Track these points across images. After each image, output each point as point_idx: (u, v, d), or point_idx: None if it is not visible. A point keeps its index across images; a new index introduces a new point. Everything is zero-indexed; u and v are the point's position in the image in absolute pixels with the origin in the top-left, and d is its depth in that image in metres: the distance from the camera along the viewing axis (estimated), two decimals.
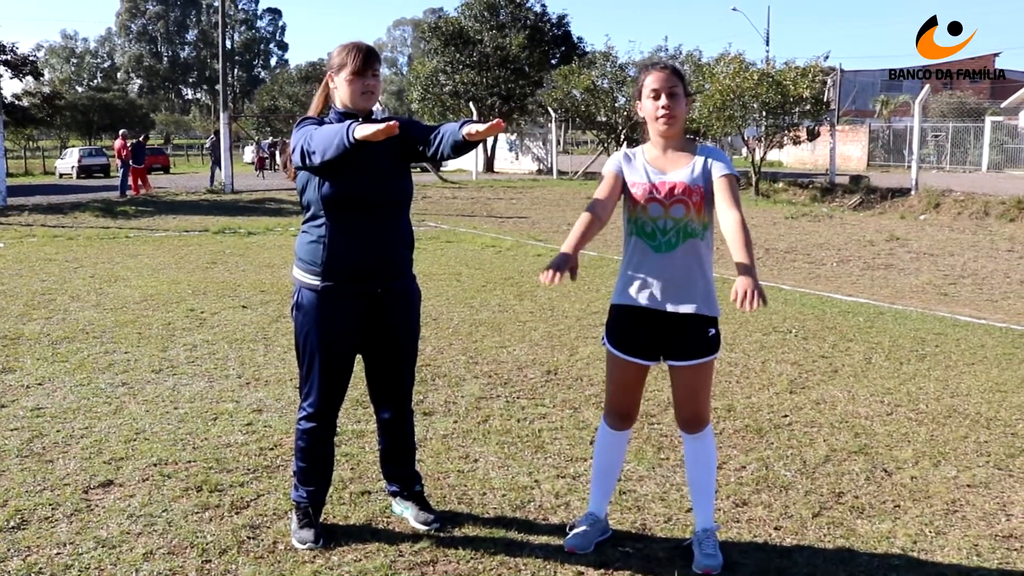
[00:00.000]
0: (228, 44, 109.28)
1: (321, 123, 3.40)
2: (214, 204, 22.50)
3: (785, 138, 24.19)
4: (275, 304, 8.63)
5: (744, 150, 24.76)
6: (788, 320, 8.13)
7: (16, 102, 23.47)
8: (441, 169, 38.73)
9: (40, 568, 3.35)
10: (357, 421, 5.06)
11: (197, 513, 3.83)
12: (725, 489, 4.17)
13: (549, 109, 33.40)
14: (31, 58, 22.72)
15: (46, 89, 25.50)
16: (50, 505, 3.90)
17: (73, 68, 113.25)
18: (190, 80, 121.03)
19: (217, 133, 27.72)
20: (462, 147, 3.24)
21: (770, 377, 6.19)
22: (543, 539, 3.62)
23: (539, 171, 38.67)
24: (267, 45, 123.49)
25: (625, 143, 32.08)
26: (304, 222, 3.53)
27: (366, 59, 3.41)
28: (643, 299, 3.31)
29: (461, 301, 8.96)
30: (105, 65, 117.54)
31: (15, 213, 19.51)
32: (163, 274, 10.66)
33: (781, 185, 24.73)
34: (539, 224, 18.20)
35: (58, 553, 3.46)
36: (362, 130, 3.01)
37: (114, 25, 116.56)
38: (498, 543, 3.58)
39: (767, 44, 61.75)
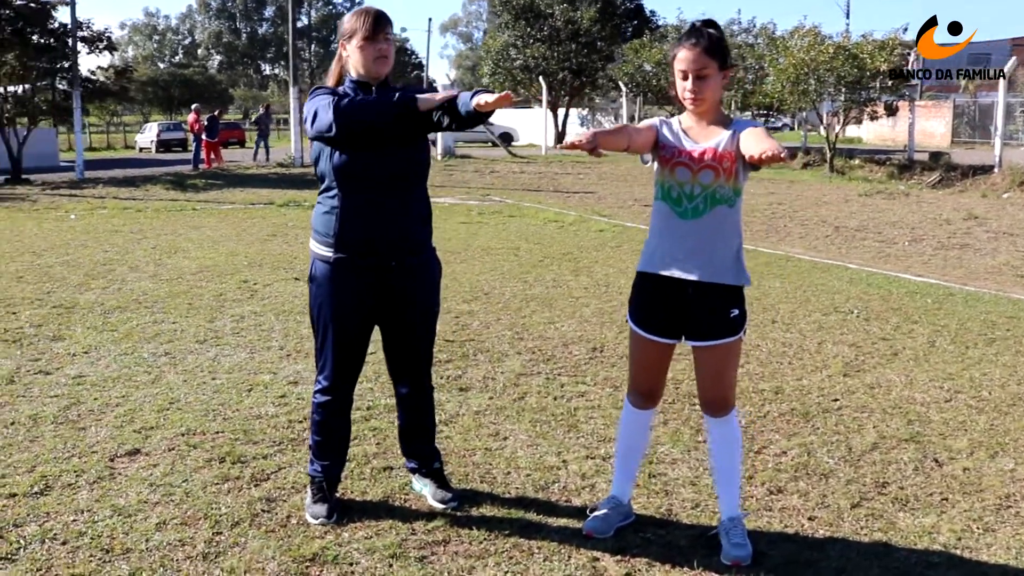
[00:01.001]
0: (305, 20, 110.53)
1: (334, 93, 3.30)
2: (282, 177, 22.71)
3: (863, 114, 23.40)
4: None
5: (822, 127, 24.01)
6: (851, 300, 7.82)
7: (91, 77, 23.90)
8: (512, 144, 38.62)
9: (55, 534, 3.34)
10: (390, 396, 4.98)
11: (216, 484, 3.79)
12: (761, 475, 3.98)
13: (620, 83, 32.93)
14: (107, 33, 23.10)
15: (119, 63, 25.85)
16: (75, 472, 3.91)
17: (155, 45, 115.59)
18: (268, 56, 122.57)
19: (267, 107, 27.80)
20: (474, 117, 3.11)
21: (824, 359, 5.94)
22: (562, 521, 3.49)
23: None
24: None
25: None
26: (319, 193, 3.44)
27: (376, 23, 3.30)
28: (665, 267, 3.16)
29: (516, 276, 8.83)
30: (186, 42, 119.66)
31: (90, 186, 19.98)
32: (222, 246, 10.75)
33: (857, 162, 23.96)
34: (605, 199, 17.93)
35: (74, 520, 3.45)
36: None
37: (194, 2, 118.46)
38: (515, 524, 3.46)
39: (847, 17, 59.86)
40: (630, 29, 37.97)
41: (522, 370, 5.60)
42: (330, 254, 3.37)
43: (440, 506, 3.59)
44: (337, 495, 3.62)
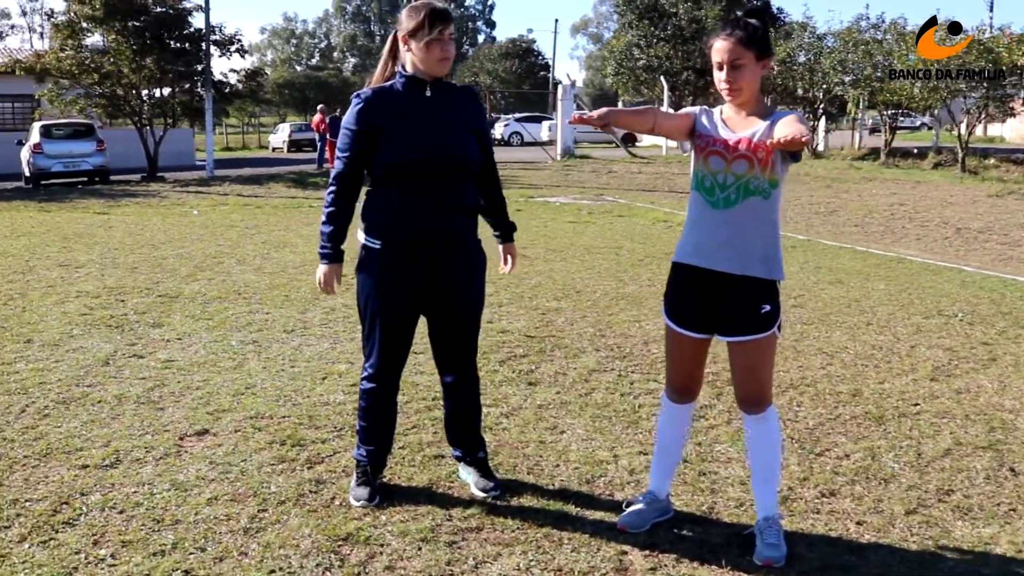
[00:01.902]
0: None
1: (348, 133, 3.47)
2: None
3: (1000, 111, 22.22)
4: None
5: (962, 127, 22.93)
6: (958, 303, 7.47)
7: (223, 79, 25.01)
8: (634, 144, 38.33)
9: (114, 503, 3.54)
10: None
11: (272, 465, 3.93)
12: (817, 477, 3.86)
13: None
14: (238, 37, 24.12)
15: (249, 66, 26.91)
16: (145, 448, 4.13)
17: (293, 48, 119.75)
18: None
19: (322, 110, 27.95)
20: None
21: (914, 363, 5.70)
22: (599, 514, 3.47)
23: None
24: (475, 23, 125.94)
25: (824, 118, 30.53)
26: (367, 187, 3.53)
27: (444, 23, 3.34)
28: (696, 257, 3.12)
29: (611, 275, 8.79)
30: (322, 45, 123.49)
31: (218, 183, 20.91)
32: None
33: (992, 161, 22.80)
34: None
35: (135, 492, 3.65)
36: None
37: (331, 6, 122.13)
38: (551, 515, 3.46)
39: (990, 10, 56.75)
40: None
41: (595, 366, 5.58)
42: (377, 245, 3.45)
43: (481, 494, 3.62)
44: (383, 479, 3.70)
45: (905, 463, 4.04)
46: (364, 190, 3.55)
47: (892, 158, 25.41)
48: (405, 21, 3.38)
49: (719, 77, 3.05)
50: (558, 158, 28.88)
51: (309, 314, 6.93)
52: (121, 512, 3.46)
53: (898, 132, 28.89)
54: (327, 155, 27.09)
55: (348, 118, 3.44)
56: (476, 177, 3.60)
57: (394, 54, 3.51)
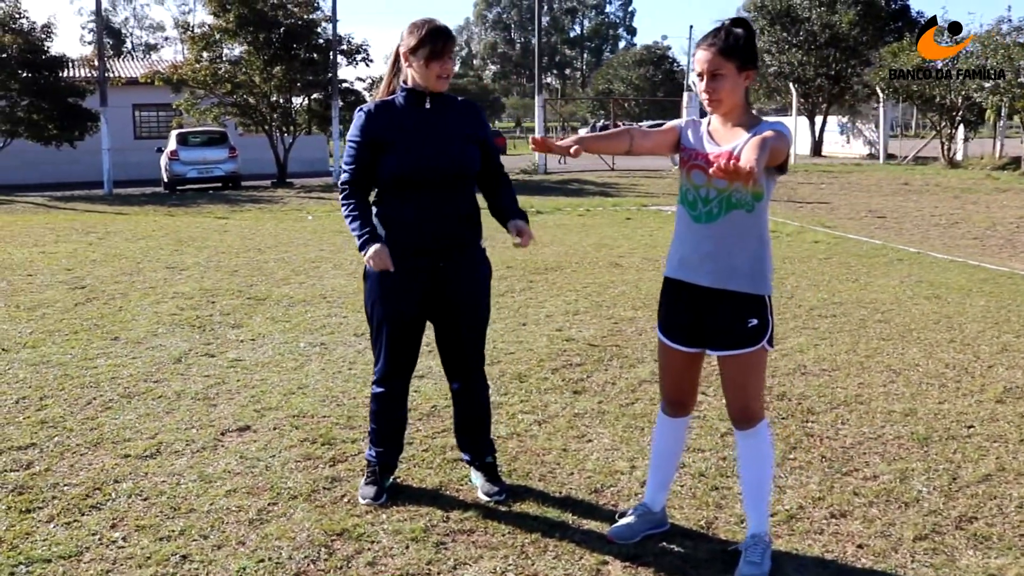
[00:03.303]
0: (577, 30, 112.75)
1: (357, 146, 3.55)
2: (521, 184, 23.42)
3: None
4: (512, 280, 8.83)
5: None
6: None
7: (349, 87, 25.92)
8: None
9: (141, 490, 3.79)
10: (504, 394, 5.13)
11: (297, 461, 4.11)
12: (832, 498, 3.75)
13: (878, 89, 31.11)
14: (364, 47, 24.96)
15: (375, 75, 27.81)
16: (186, 441, 4.38)
17: None
18: (541, 65, 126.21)
19: None
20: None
21: (985, 383, 5.43)
22: (595, 524, 3.49)
23: (870, 155, 36.23)
24: (616, 30, 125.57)
25: (962, 126, 29.12)
26: (372, 195, 3.66)
27: (446, 43, 3.45)
28: (681, 271, 3.11)
29: None
30: (463, 53, 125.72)
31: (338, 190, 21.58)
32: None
33: None
34: (838, 210, 17.08)
35: (164, 481, 3.89)
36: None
37: (472, 15, 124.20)
38: (546, 522, 3.50)
39: None
40: (893, 32, 35.73)
41: (648, 377, 5.56)
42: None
43: (487, 498, 3.70)
44: (395, 479, 3.82)
45: (935, 487, 3.88)
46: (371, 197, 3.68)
47: None
48: (407, 38, 3.49)
49: (700, 87, 3.03)
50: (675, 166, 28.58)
51: None
52: (145, 499, 3.70)
53: None
54: None
55: (353, 131, 3.58)
56: (484, 186, 3.68)
57: (397, 68, 3.62)
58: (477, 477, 3.82)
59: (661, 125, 3.36)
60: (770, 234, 3.15)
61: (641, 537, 3.35)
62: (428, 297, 3.61)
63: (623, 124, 41.57)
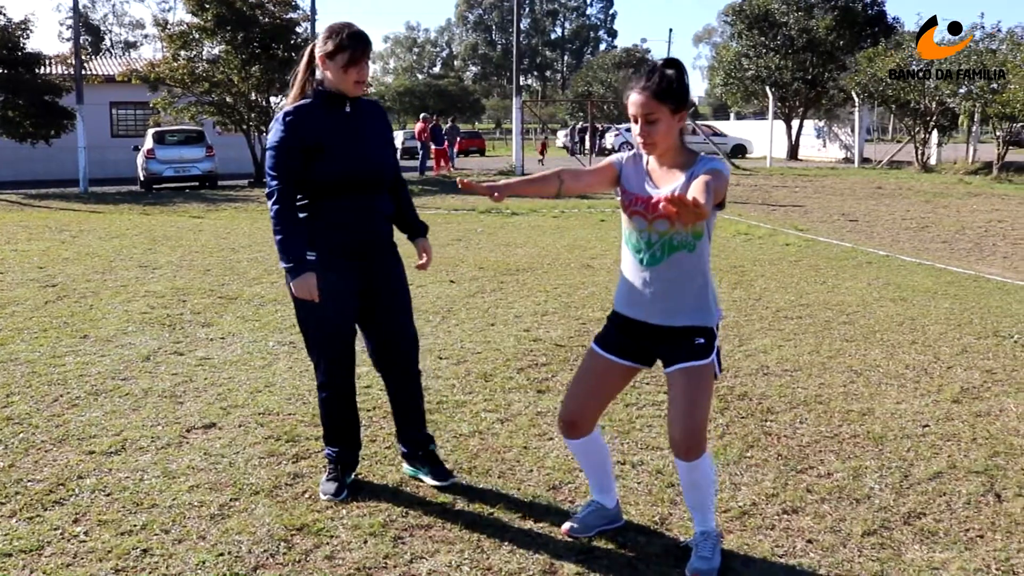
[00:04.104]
0: (559, 31, 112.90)
1: (281, 149, 3.48)
2: None
3: None
4: (483, 281, 8.94)
5: None
6: (1020, 324, 7.19)
7: None
8: (743, 157, 37.75)
9: (105, 485, 3.82)
10: (460, 393, 5.19)
11: (260, 458, 4.16)
12: (786, 495, 3.84)
13: (853, 94, 31.39)
14: None
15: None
16: (151, 438, 4.41)
17: (415, 57, 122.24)
18: (522, 67, 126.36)
19: (424, 118, 28.38)
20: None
21: (943, 384, 5.54)
22: (551, 520, 3.55)
23: (846, 159, 36.56)
24: (596, 32, 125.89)
25: (936, 131, 29.43)
26: (298, 199, 3.65)
27: (364, 49, 3.49)
28: (629, 310, 3.17)
29: None
30: (443, 54, 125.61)
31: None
32: (402, 248, 11.34)
33: None
34: (811, 213, 17.24)
35: (127, 477, 3.92)
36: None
37: (453, 16, 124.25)
38: (503, 518, 3.56)
39: None
40: (869, 38, 36.07)
41: None
42: (312, 257, 3.57)
43: (438, 483, 3.80)
44: (356, 475, 3.88)
45: (886, 484, 3.97)
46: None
47: (1006, 172, 24.34)
48: (322, 43, 3.51)
49: (634, 131, 3.05)
50: None
51: None
52: (108, 495, 3.73)
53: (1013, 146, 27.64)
54: (430, 163, 27.74)
55: (278, 136, 3.50)
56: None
57: (311, 70, 3.62)
58: (420, 469, 3.91)
59: None
60: (710, 266, 3.17)
61: (596, 532, 3.41)
62: (359, 296, 3.68)
63: (600, 126, 41.70)
